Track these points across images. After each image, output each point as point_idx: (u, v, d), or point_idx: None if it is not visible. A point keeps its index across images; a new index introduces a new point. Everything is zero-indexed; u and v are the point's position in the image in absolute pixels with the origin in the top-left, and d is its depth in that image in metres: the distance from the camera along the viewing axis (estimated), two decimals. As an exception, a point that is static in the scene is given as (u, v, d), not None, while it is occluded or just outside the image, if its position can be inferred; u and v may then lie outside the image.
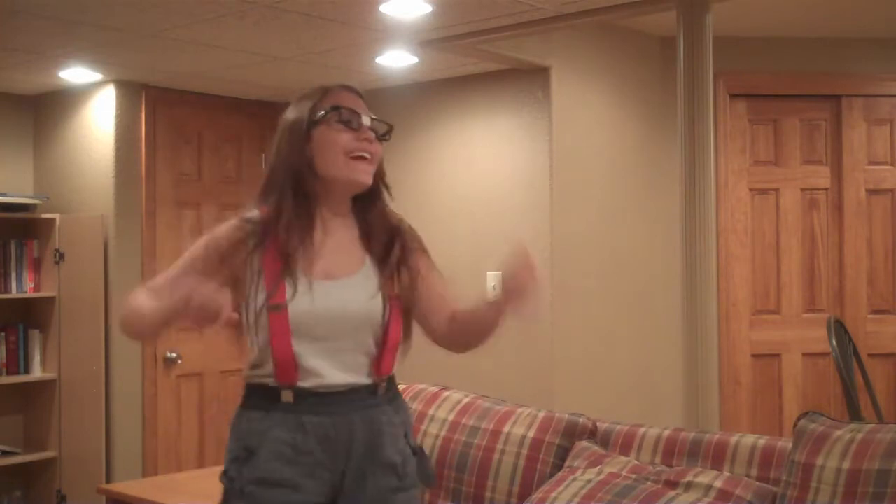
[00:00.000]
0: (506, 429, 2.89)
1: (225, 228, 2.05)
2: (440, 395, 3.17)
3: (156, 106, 4.92)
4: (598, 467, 2.62)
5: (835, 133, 4.86)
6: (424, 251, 2.18)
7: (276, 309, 1.96)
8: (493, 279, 4.51)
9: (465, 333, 2.21)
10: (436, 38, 3.91)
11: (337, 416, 1.99)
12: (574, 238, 4.40)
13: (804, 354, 4.82)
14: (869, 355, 4.68)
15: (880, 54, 4.83)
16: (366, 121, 2.07)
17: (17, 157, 5.08)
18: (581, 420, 2.83)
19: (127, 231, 4.77)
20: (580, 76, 4.46)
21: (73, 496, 4.78)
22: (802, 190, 4.85)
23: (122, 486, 3.86)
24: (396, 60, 4.32)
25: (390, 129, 2.14)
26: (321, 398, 1.99)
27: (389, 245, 2.10)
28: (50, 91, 4.97)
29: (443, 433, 3.01)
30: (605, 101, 4.60)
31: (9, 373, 4.81)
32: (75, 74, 4.58)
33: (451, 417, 3.05)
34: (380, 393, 2.06)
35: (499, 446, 2.87)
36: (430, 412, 3.11)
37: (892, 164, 4.89)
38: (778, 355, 4.82)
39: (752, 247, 4.82)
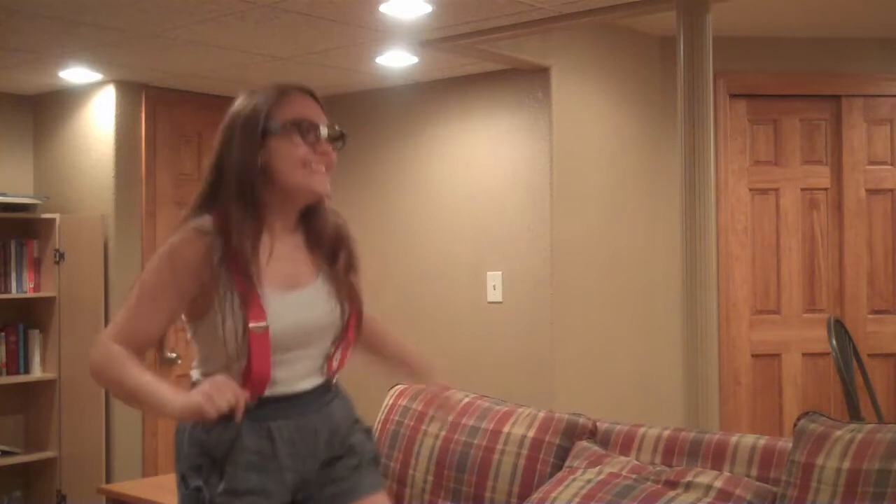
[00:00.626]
0: (506, 429, 2.89)
1: (183, 246, 1.93)
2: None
3: (156, 106, 4.92)
4: (598, 467, 2.62)
5: (835, 133, 4.85)
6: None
7: (259, 329, 1.92)
8: (493, 279, 4.52)
9: (365, 348, 2.27)
10: (436, 38, 3.91)
11: (299, 417, 2.01)
12: (574, 238, 4.40)
13: (804, 354, 4.82)
14: (869, 355, 4.68)
15: (880, 54, 4.83)
16: (323, 132, 2.01)
17: (17, 157, 5.08)
18: (581, 420, 2.83)
19: (127, 231, 4.77)
20: (580, 76, 4.46)
21: (73, 496, 4.78)
22: (802, 190, 4.85)
23: (122, 486, 3.87)
24: (396, 60, 4.32)
25: (344, 137, 2.07)
26: (282, 402, 2.00)
27: (336, 249, 2.09)
28: (50, 91, 4.97)
29: (443, 433, 3.01)
30: (605, 101, 4.60)
31: (9, 373, 4.81)
32: (75, 74, 4.58)
33: (450, 417, 3.05)
34: (331, 389, 2.10)
35: (499, 446, 2.87)
36: (431, 412, 3.11)
37: (892, 164, 4.89)
38: (778, 355, 4.82)
39: (752, 247, 4.82)
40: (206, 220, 1.96)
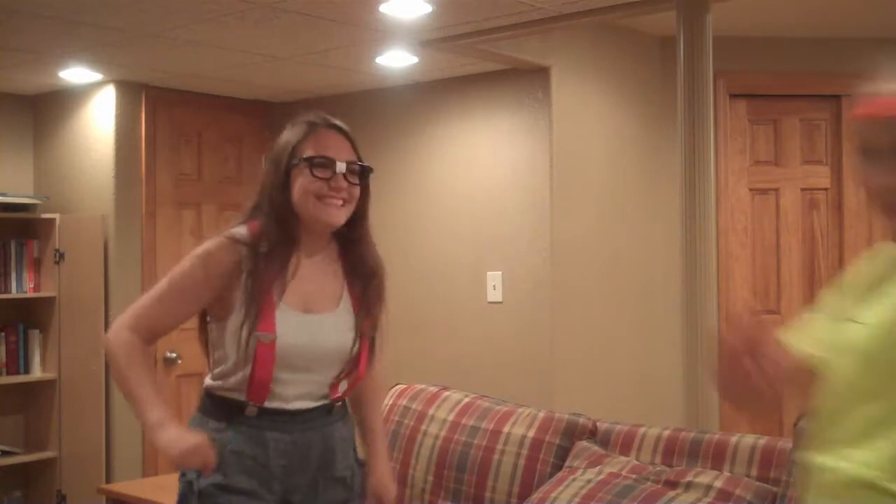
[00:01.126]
0: (506, 429, 2.89)
1: (219, 251, 2.08)
2: (440, 395, 3.18)
3: (156, 106, 4.91)
4: (598, 467, 2.62)
5: (835, 133, 4.85)
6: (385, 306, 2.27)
7: (266, 339, 2.04)
8: (493, 279, 4.51)
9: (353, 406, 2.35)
10: (436, 38, 3.91)
11: (296, 433, 2.10)
12: (574, 238, 4.40)
13: (804, 355, 4.81)
14: (869, 355, 4.68)
15: (880, 54, 4.82)
16: (340, 168, 2.11)
17: (17, 157, 5.08)
18: (581, 420, 2.84)
19: (127, 231, 4.77)
20: (580, 76, 4.46)
21: (73, 496, 4.78)
22: (802, 190, 4.85)
23: (122, 486, 3.87)
24: (396, 60, 4.32)
25: (366, 171, 2.19)
26: (283, 416, 2.09)
27: (366, 287, 2.20)
28: (50, 91, 4.97)
29: (443, 433, 3.01)
30: (605, 101, 4.59)
31: (9, 373, 4.81)
32: (75, 74, 4.58)
33: (451, 417, 3.05)
34: (335, 411, 2.18)
35: (499, 446, 2.87)
36: (430, 412, 3.11)
37: (892, 164, 4.88)
38: (778, 355, 4.81)
39: (752, 247, 4.82)
40: (244, 231, 2.10)
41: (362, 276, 2.20)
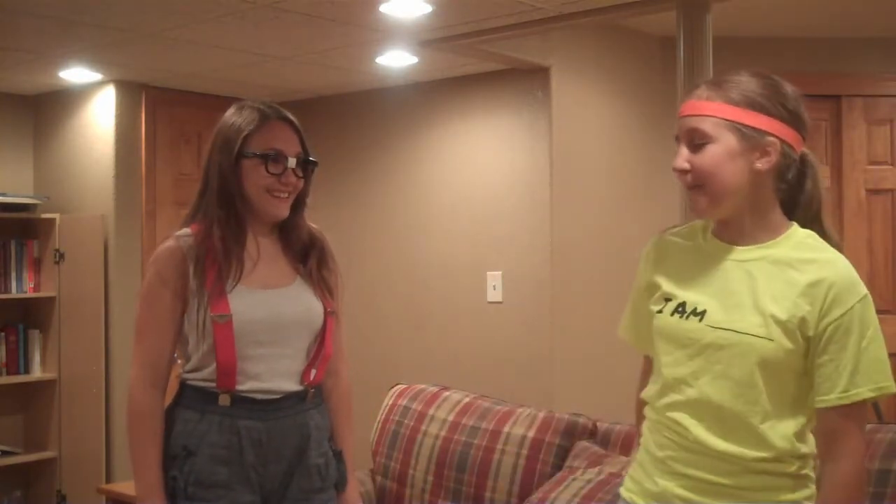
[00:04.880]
0: (506, 429, 2.89)
1: (165, 252, 2.14)
2: (440, 395, 3.18)
3: (156, 106, 4.91)
4: (598, 467, 2.62)
5: (835, 133, 4.85)
6: (337, 280, 2.29)
7: (221, 319, 2.07)
8: (493, 279, 4.51)
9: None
10: (436, 38, 3.91)
11: (270, 421, 2.11)
12: (574, 237, 4.40)
13: (804, 354, 4.81)
14: (869, 355, 4.67)
15: (880, 54, 4.83)
16: (291, 163, 2.16)
17: (17, 157, 5.08)
18: (581, 420, 2.84)
19: (127, 231, 4.77)
20: (580, 76, 4.46)
21: (73, 496, 4.78)
22: (803, 190, 4.85)
23: (122, 486, 3.88)
24: (396, 60, 4.32)
25: (314, 165, 2.23)
26: (256, 404, 2.10)
27: (308, 255, 2.24)
28: (50, 91, 4.97)
29: (443, 433, 3.01)
30: (605, 101, 4.59)
31: (9, 373, 4.81)
32: (75, 74, 4.58)
33: (451, 417, 3.05)
34: (308, 399, 2.18)
35: (499, 446, 2.87)
36: (430, 412, 3.11)
37: (892, 164, 4.89)
38: (778, 355, 4.81)
39: (752, 247, 4.81)
40: (187, 231, 2.15)
41: (303, 249, 2.23)
